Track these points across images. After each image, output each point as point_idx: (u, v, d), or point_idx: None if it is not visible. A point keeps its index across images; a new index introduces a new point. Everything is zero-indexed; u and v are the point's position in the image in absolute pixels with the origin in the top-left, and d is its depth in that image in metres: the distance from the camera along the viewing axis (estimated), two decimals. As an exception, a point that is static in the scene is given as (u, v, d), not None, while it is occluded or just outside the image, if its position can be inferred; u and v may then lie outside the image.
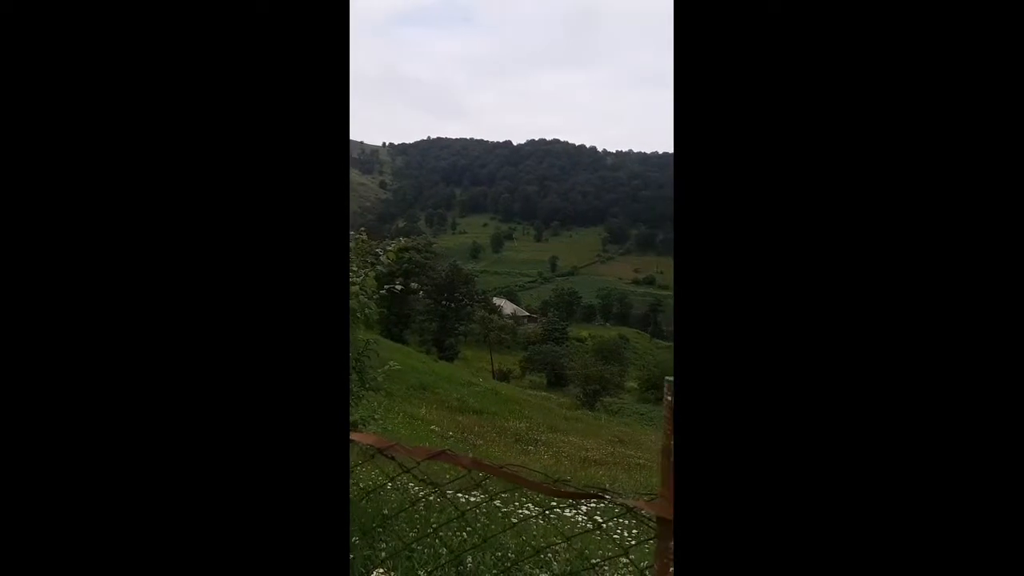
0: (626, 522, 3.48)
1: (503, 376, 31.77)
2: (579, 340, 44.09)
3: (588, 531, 2.83)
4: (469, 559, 2.35)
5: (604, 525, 3.12)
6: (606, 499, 1.23)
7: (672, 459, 1.07)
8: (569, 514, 3.29)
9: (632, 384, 34.11)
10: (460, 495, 3.10)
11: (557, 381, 32.28)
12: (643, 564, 2.64)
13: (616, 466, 8.52)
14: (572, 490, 1.23)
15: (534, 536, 2.87)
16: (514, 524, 2.91)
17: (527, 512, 3.07)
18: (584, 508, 3.44)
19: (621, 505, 1.13)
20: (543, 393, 26.37)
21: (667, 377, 1.04)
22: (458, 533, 2.55)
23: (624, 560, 2.58)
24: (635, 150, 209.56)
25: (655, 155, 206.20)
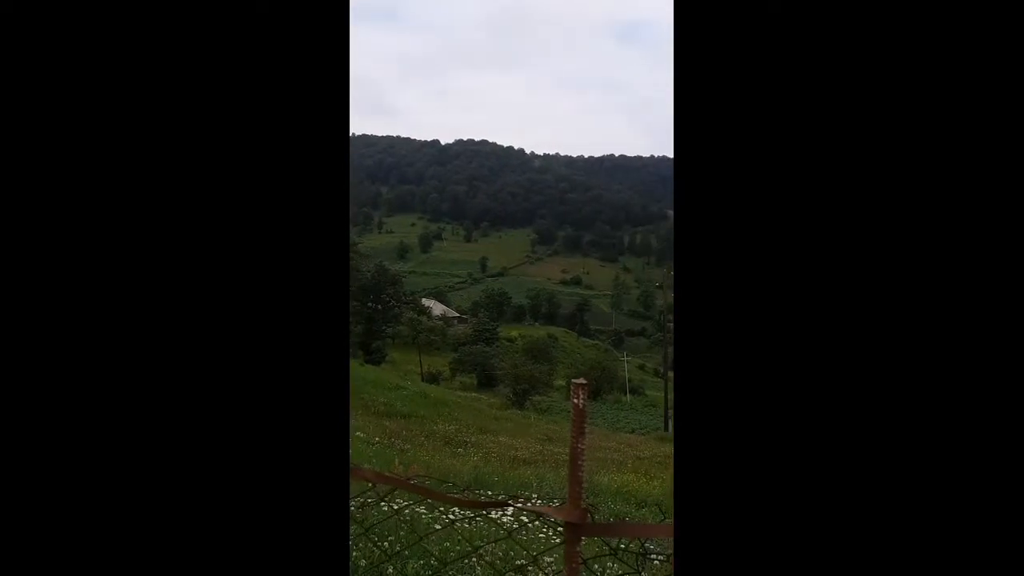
0: (551, 520, 3.52)
1: (432, 378, 31.39)
2: (509, 340, 44.40)
3: (502, 537, 2.82)
4: (390, 568, 2.28)
5: (531, 525, 3.13)
6: (516, 506, 1.21)
7: (580, 463, 1.07)
8: (496, 515, 3.28)
9: (560, 382, 34.78)
10: (383, 503, 3.00)
11: (487, 382, 32.33)
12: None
13: (544, 464, 8.63)
14: (480, 500, 1.21)
15: (459, 540, 2.83)
16: (437, 530, 2.86)
17: (452, 517, 3.03)
18: (511, 509, 3.45)
19: (531, 512, 1.11)
20: (473, 394, 26.33)
21: (574, 380, 1.04)
22: (379, 543, 2.46)
23: (548, 559, 2.59)
24: (562, 153, 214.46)
25: (581, 159, 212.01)
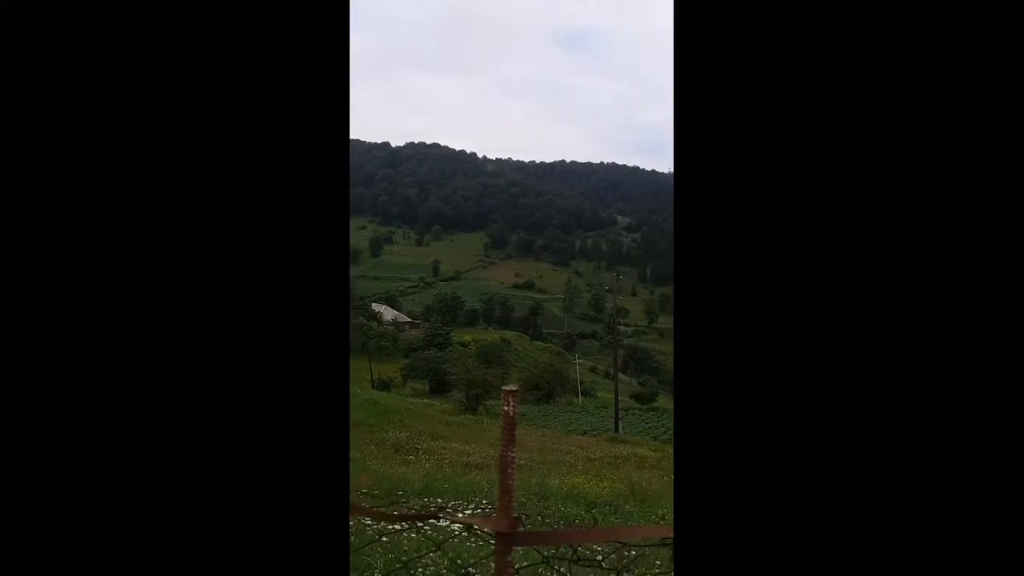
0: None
1: (383, 385, 30.79)
2: (463, 345, 44.12)
3: (435, 548, 2.79)
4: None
5: (480, 532, 3.10)
6: (443, 517, 1.19)
7: (510, 472, 1.06)
8: (444, 523, 3.23)
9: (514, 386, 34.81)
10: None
11: (440, 387, 31.98)
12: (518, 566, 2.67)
13: (495, 469, 8.62)
14: (408, 512, 1.19)
15: (404, 551, 2.78)
16: (381, 539, 2.79)
17: (398, 527, 2.96)
18: (460, 516, 3.41)
19: (460, 524, 1.10)
20: (425, 400, 25.97)
21: (504, 386, 1.03)
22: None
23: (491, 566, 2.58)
24: (513, 158, 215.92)
25: (532, 164, 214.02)
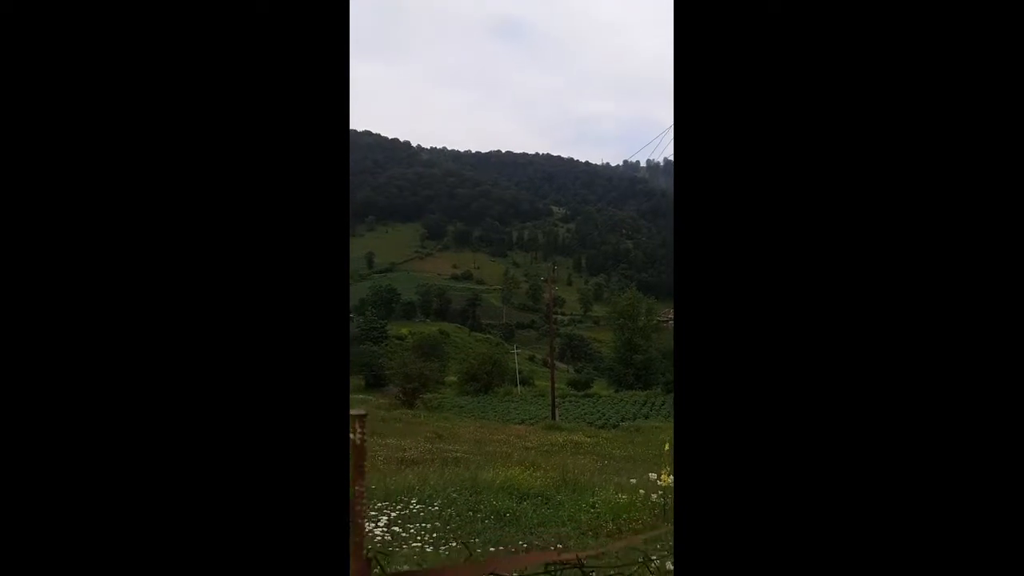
0: (428, 526, 3.45)
1: (316, 382, 29.68)
2: (399, 338, 43.38)
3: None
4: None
5: (403, 535, 3.04)
6: None
7: (359, 510, 1.00)
8: (368, 528, 3.14)
9: (452, 378, 34.68)
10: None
11: (376, 382, 31.32)
12: None
13: (433, 462, 8.53)
14: None
15: None
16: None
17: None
18: (384, 520, 3.32)
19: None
20: (360, 396, 25.39)
21: (353, 411, 0.97)
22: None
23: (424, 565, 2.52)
24: (449, 148, 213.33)
25: (468, 153, 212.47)
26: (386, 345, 38.37)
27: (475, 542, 3.31)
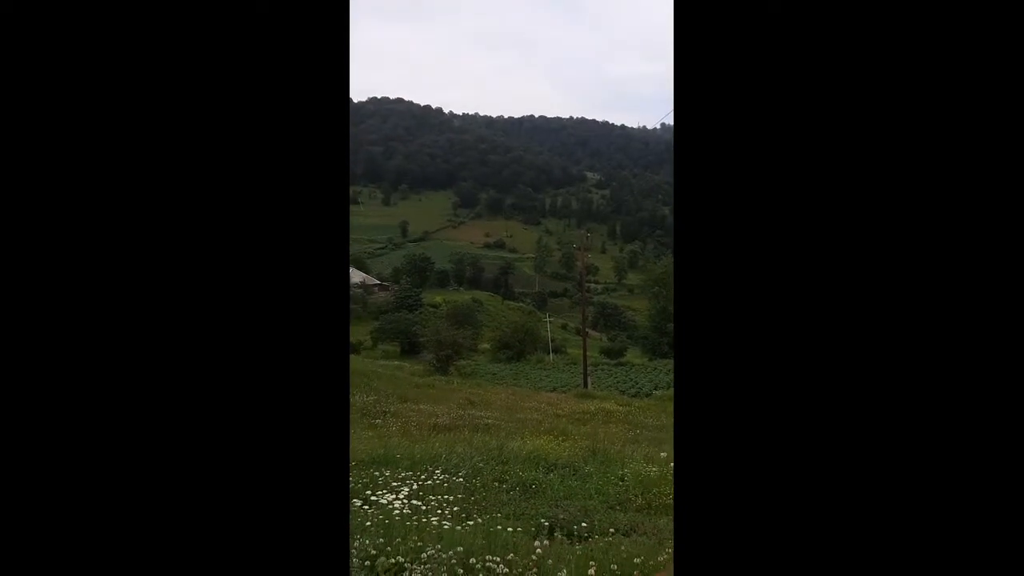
0: (451, 498, 3.42)
1: (353, 348, 30.60)
2: (433, 306, 43.99)
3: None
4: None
5: (423, 507, 3.00)
6: None
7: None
8: (385, 501, 3.12)
9: (485, 345, 35.05)
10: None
11: (411, 349, 31.93)
12: (458, 549, 2.57)
13: (462, 429, 8.61)
14: None
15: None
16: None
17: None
18: (405, 491, 3.29)
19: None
20: (396, 362, 25.95)
21: None
22: None
23: (439, 546, 2.47)
24: (481, 113, 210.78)
25: (501, 119, 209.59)
26: (420, 313, 38.96)
27: (497, 516, 3.26)
